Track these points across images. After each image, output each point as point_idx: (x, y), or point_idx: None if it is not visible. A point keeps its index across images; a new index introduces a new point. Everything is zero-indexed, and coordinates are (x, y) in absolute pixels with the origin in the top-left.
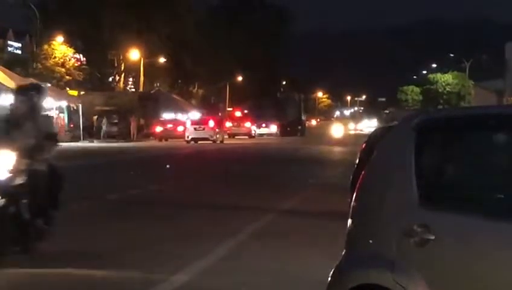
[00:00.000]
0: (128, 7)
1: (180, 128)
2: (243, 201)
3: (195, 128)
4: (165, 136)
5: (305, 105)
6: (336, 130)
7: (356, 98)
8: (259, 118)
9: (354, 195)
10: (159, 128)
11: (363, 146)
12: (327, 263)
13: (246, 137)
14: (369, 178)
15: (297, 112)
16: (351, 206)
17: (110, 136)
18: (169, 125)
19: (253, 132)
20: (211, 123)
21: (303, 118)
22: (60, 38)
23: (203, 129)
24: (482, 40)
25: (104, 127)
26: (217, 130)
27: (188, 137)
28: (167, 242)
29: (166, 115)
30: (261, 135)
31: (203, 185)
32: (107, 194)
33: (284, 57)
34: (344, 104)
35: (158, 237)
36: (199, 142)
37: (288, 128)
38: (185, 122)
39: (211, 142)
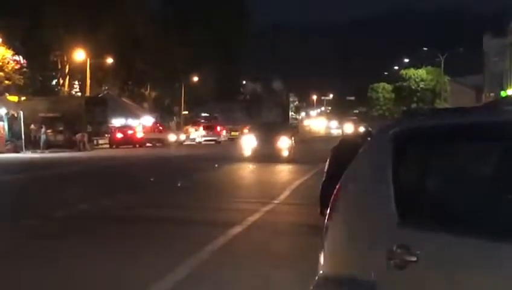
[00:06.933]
0: (72, 4)
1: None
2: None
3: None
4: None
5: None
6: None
7: (323, 97)
8: (227, 121)
9: (328, 212)
10: (119, 135)
11: (332, 153)
12: (297, 284)
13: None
14: (344, 195)
15: (280, 112)
16: (325, 225)
17: (55, 146)
18: (130, 132)
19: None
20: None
21: (293, 119)
22: None
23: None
24: (457, 31)
25: (43, 136)
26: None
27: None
28: (115, 264)
29: (116, 121)
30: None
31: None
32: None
33: (244, 55)
34: (310, 105)
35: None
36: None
37: None
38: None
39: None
